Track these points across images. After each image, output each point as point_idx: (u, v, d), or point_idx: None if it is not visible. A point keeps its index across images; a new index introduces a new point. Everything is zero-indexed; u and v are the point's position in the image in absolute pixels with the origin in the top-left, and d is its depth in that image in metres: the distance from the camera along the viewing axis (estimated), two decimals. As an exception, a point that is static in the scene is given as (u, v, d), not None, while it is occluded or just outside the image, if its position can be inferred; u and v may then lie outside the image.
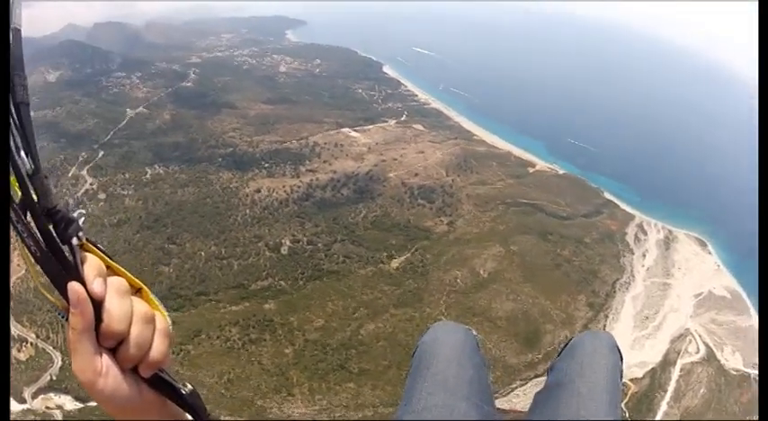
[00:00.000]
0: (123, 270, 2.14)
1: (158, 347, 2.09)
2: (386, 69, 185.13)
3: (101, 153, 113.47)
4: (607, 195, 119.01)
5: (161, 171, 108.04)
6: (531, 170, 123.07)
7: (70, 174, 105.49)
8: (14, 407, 69.25)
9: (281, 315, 79.00)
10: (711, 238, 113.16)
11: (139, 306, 2.09)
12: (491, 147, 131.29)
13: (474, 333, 5.89)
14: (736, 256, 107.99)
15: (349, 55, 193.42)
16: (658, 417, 75.03)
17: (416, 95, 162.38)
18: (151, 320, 2.10)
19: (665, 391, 77.87)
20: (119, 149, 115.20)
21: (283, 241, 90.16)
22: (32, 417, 68.52)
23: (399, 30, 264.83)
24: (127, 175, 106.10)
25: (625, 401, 73.75)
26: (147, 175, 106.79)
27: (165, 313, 2.22)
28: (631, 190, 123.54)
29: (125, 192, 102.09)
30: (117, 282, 2.05)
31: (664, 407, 76.23)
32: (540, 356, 74.23)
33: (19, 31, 1.84)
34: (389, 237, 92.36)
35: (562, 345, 5.79)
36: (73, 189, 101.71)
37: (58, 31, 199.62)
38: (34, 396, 70.78)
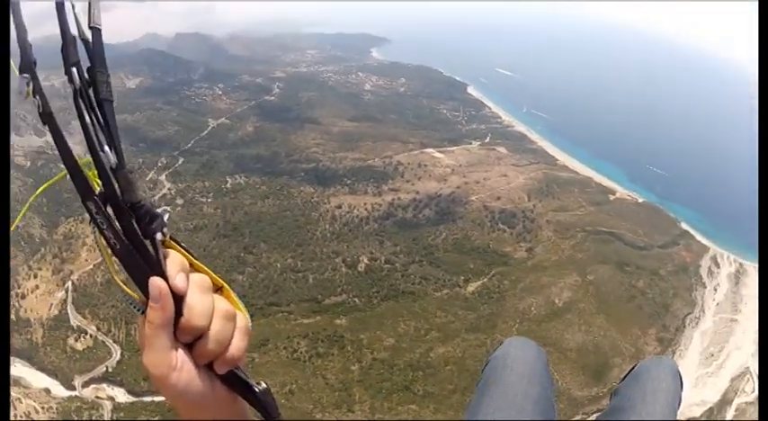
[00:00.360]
0: (205, 268, 2.25)
1: (238, 344, 2.17)
2: (470, 90, 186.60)
3: (180, 160, 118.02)
4: (684, 225, 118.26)
5: (241, 181, 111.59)
6: (611, 198, 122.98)
7: (148, 178, 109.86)
8: (61, 392, 73.35)
9: (352, 331, 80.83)
10: None
11: (221, 303, 2.17)
12: (573, 173, 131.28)
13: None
14: None
15: (433, 75, 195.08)
16: None
17: (500, 117, 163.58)
18: (232, 318, 2.18)
19: None
20: (199, 157, 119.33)
21: (361, 258, 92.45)
22: (78, 404, 71.76)
23: (480, 48, 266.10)
24: (206, 183, 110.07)
25: None
26: (228, 185, 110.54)
27: (246, 312, 2.30)
28: (706, 220, 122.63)
29: (204, 200, 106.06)
30: (200, 279, 2.16)
31: None
32: (605, 390, 73.74)
33: (99, 30, 1.98)
34: (468, 261, 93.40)
35: (628, 370, 6.06)
36: (150, 192, 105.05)
37: (138, 39, 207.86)
38: (85, 385, 74.49)
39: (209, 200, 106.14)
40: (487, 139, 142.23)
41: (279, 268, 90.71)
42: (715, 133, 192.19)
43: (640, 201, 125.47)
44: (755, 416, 74.63)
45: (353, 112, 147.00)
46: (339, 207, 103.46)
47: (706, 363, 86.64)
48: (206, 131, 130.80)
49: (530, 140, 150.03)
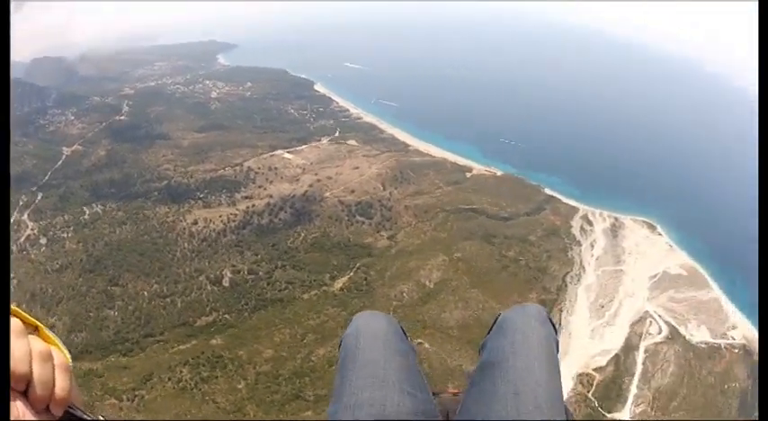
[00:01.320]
0: (18, 310, 2.03)
1: (60, 383, 1.99)
2: (317, 87, 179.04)
3: (39, 195, 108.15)
4: (548, 191, 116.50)
5: (98, 210, 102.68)
6: (468, 175, 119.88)
7: (13, 220, 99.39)
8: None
9: (230, 349, 74.38)
10: (660, 221, 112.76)
11: (36, 344, 2.00)
12: (426, 156, 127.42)
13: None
14: (688, 234, 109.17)
15: (280, 75, 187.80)
16: (629, 401, 73.53)
17: (348, 111, 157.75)
18: (49, 357, 2.00)
19: (633, 375, 76.43)
20: (56, 190, 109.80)
21: (224, 273, 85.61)
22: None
23: (327, 45, 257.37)
24: (66, 217, 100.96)
25: (592, 391, 73.14)
26: (86, 215, 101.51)
27: (63, 347, 2.11)
28: (571, 183, 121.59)
29: (65, 235, 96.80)
30: (13, 324, 1.97)
31: (634, 390, 74.79)
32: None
33: None
34: (331, 258, 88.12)
35: (492, 322, 5.16)
36: (15, 235, 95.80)
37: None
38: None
39: (70, 234, 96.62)
40: (337, 134, 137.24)
41: (146, 296, 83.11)
42: (573, 99, 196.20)
43: (499, 174, 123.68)
44: (713, 386, 76.90)
45: (202, 123, 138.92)
46: (195, 223, 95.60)
47: (598, 315, 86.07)
48: (61, 161, 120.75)
49: (380, 130, 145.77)
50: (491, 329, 5.13)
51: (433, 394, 5.05)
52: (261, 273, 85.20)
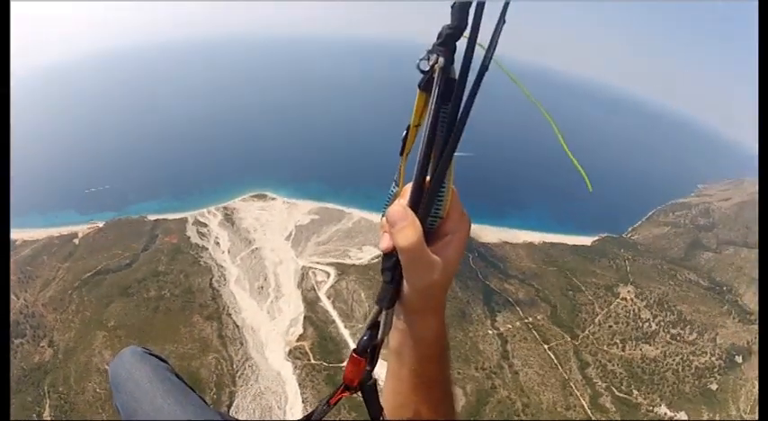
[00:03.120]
0: None
1: None
2: None
3: None
4: (151, 217, 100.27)
5: None
6: (76, 241, 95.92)
7: None
8: None
9: None
10: (268, 187, 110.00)
11: None
12: (34, 243, 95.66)
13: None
14: (300, 184, 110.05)
15: None
16: (348, 338, 70.56)
17: None
18: None
19: (334, 321, 74.27)
20: None
21: None
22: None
23: None
24: None
25: (312, 357, 68.51)
26: None
27: None
28: (169, 198, 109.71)
29: None
30: None
31: (346, 332, 72.20)
32: (225, 401, 62.94)
33: None
34: (19, 400, 70.99)
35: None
36: None
37: None
38: None
39: None
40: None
41: None
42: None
43: (101, 225, 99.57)
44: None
45: None
46: None
47: (263, 298, 79.77)
48: None
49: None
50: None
51: None
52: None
